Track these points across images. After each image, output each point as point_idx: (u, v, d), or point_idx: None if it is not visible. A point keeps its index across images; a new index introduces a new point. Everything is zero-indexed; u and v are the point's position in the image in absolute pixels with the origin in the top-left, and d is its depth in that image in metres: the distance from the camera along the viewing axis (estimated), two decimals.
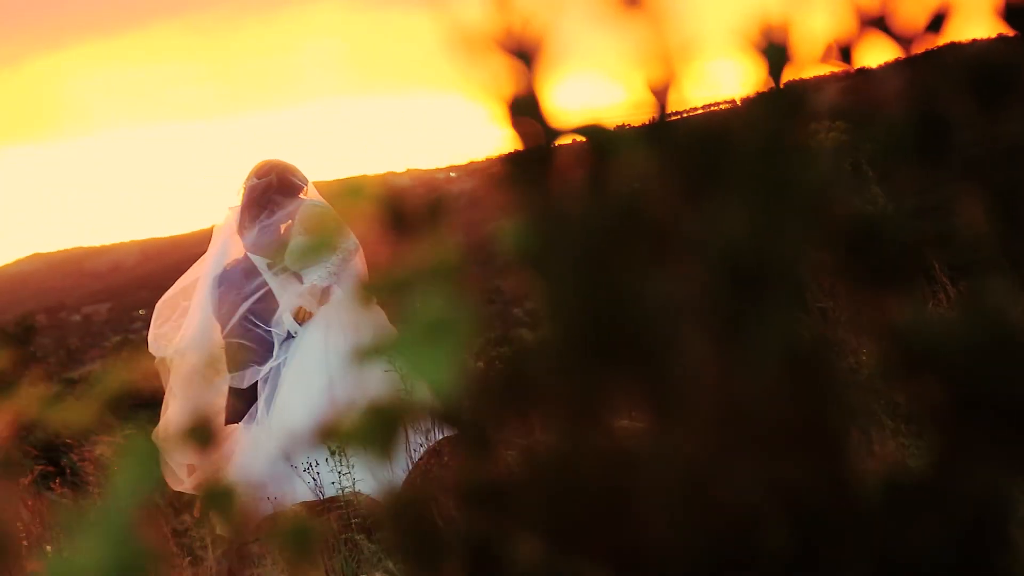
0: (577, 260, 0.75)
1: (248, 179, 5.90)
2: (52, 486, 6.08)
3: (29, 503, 5.76)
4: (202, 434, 0.96)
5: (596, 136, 0.79)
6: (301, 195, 5.92)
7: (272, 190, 5.82)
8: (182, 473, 5.61)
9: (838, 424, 0.71)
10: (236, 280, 5.73)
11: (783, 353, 0.71)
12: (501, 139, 0.81)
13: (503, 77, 0.80)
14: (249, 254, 5.84)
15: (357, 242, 5.70)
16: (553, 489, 0.74)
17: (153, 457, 0.77)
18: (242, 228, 5.86)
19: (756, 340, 0.72)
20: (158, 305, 6.02)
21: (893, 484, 0.74)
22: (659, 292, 0.73)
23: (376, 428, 0.79)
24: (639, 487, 0.72)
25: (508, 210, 0.82)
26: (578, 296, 0.75)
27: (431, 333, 0.75)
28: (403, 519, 0.79)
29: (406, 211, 0.85)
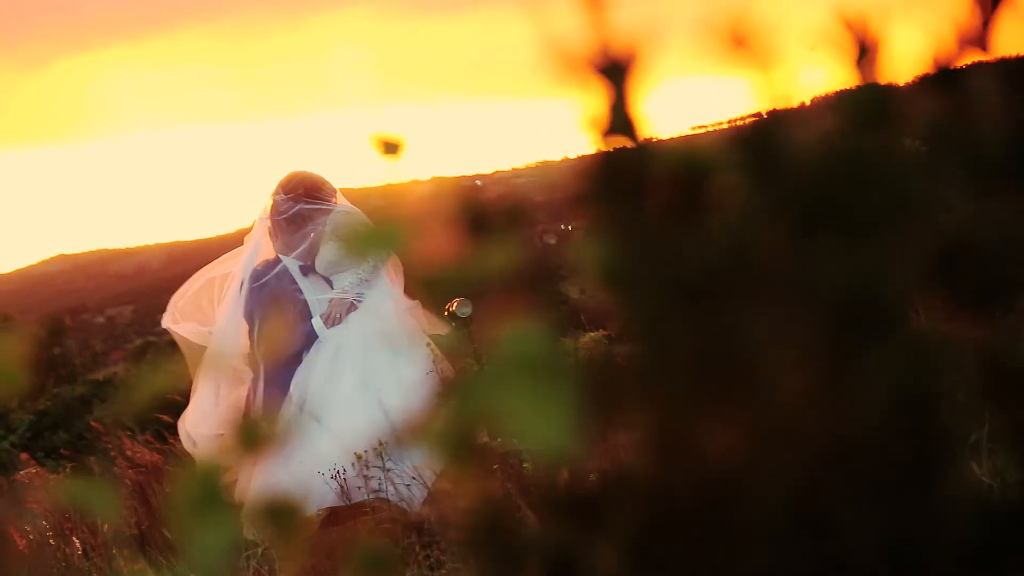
0: (676, 286, 0.74)
1: (276, 192, 5.93)
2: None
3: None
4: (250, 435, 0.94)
5: (691, 159, 0.78)
6: (332, 205, 5.89)
7: (300, 203, 5.82)
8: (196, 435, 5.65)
9: (946, 461, 0.69)
10: (267, 280, 5.72)
11: (891, 389, 0.70)
12: (586, 154, 0.80)
13: (595, 93, 0.79)
14: (280, 256, 5.83)
15: (375, 263, 5.67)
16: (646, 507, 0.74)
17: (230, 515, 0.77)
18: (273, 237, 5.86)
19: (864, 375, 0.71)
20: (179, 291, 6.04)
21: (988, 516, 0.73)
22: (764, 324, 0.72)
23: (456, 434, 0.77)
24: (737, 514, 0.71)
25: (590, 224, 0.81)
26: (677, 322, 0.73)
27: (528, 368, 0.71)
28: (484, 525, 0.78)
29: (484, 214, 0.84)
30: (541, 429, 0.70)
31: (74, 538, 5.23)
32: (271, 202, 5.93)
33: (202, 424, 5.67)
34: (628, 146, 0.80)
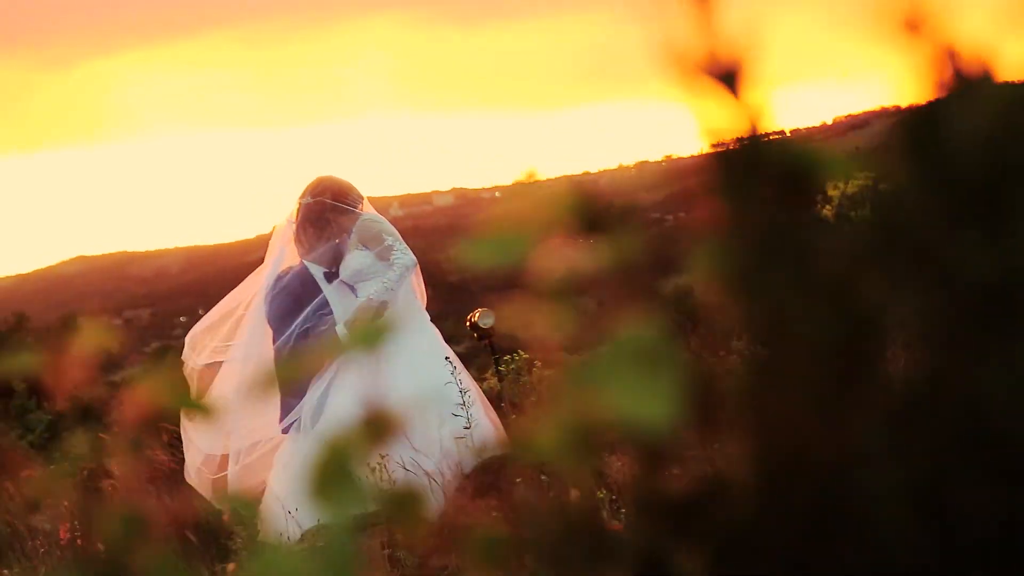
0: (807, 281, 0.75)
1: (303, 196, 5.92)
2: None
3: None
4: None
5: (807, 156, 0.79)
6: (358, 211, 5.88)
7: (327, 208, 5.82)
8: (194, 470, 5.67)
9: None
10: (291, 286, 5.79)
11: None
12: (699, 154, 0.82)
13: (710, 95, 0.81)
14: (306, 262, 5.85)
15: (415, 259, 5.72)
16: (754, 509, 0.76)
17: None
18: (298, 242, 5.89)
19: (1009, 365, 0.72)
20: (207, 315, 6.04)
21: None
22: (906, 313, 0.74)
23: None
24: (870, 516, 0.72)
25: (705, 226, 0.81)
26: (812, 316, 0.75)
27: (640, 357, 0.74)
28: (572, 526, 0.80)
29: (596, 214, 0.84)
30: (649, 412, 0.72)
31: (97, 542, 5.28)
32: (297, 206, 5.93)
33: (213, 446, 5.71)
34: (748, 146, 0.80)
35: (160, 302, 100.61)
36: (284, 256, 5.94)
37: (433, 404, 5.24)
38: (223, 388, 5.71)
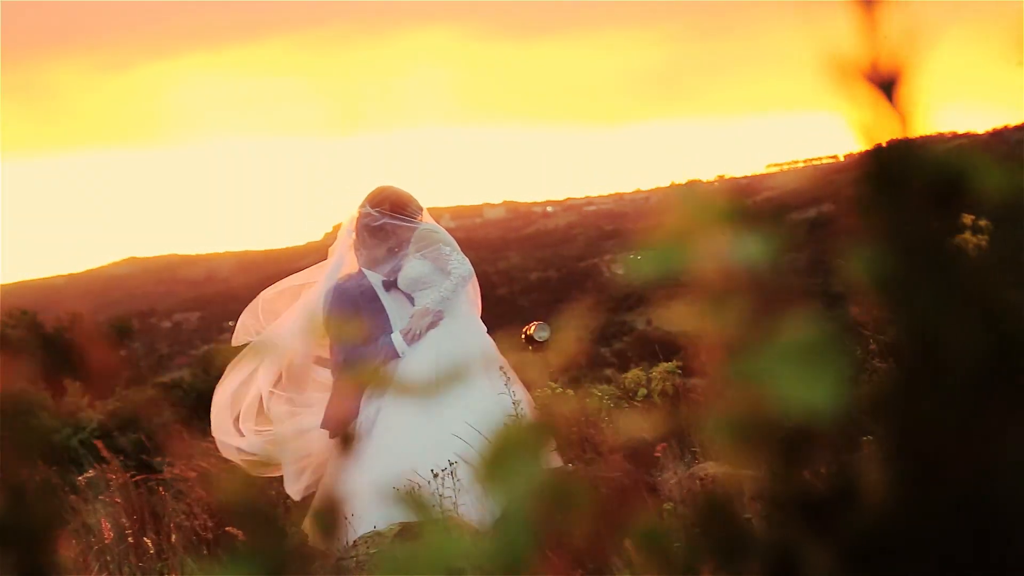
0: (957, 289, 0.80)
1: (362, 206, 6.26)
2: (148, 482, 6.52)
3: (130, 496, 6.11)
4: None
5: (963, 163, 0.83)
6: (417, 222, 6.27)
7: (385, 219, 6.20)
8: (293, 477, 6.04)
9: None
10: (349, 293, 6.14)
11: None
12: (859, 159, 0.84)
13: (869, 105, 0.85)
14: (364, 270, 6.23)
15: (472, 269, 6.13)
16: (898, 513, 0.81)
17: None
18: (357, 250, 6.29)
19: None
20: (257, 298, 6.40)
21: None
22: None
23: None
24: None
25: (857, 235, 0.84)
26: (963, 324, 0.80)
27: (807, 351, 0.79)
28: (711, 520, 0.86)
29: (750, 219, 0.87)
30: (817, 404, 0.77)
31: (145, 539, 5.56)
32: (357, 214, 6.32)
33: (216, 415, 6.15)
34: (903, 152, 0.85)
35: (209, 306, 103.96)
36: (344, 262, 6.34)
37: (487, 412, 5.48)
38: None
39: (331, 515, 1.13)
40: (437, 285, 6.10)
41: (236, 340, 6.38)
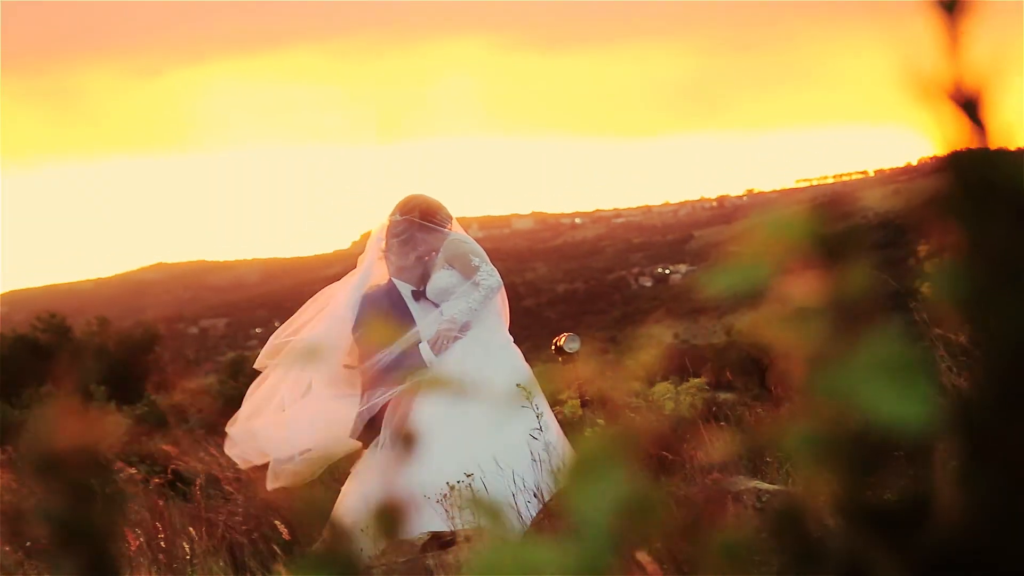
0: None
1: (392, 214, 6.24)
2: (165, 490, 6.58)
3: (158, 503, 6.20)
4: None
5: None
6: (446, 231, 6.23)
7: (415, 227, 6.17)
8: (282, 472, 6.00)
9: None
10: (378, 303, 6.12)
11: None
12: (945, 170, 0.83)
13: (950, 122, 0.85)
14: (393, 279, 6.20)
15: (500, 281, 6.08)
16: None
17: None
18: (386, 259, 6.26)
19: None
20: (289, 321, 6.35)
21: None
22: None
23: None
24: None
25: (940, 249, 0.84)
26: None
27: (892, 365, 0.79)
28: (784, 529, 0.86)
29: (828, 239, 0.86)
30: (905, 417, 0.77)
31: (179, 544, 5.60)
32: (387, 222, 6.28)
33: (254, 417, 6.08)
34: (987, 166, 0.84)
35: (236, 312, 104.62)
36: (373, 271, 6.31)
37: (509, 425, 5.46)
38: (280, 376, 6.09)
39: (396, 515, 1.11)
40: (465, 296, 6.05)
41: (261, 362, 6.37)
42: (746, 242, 0.92)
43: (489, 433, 5.53)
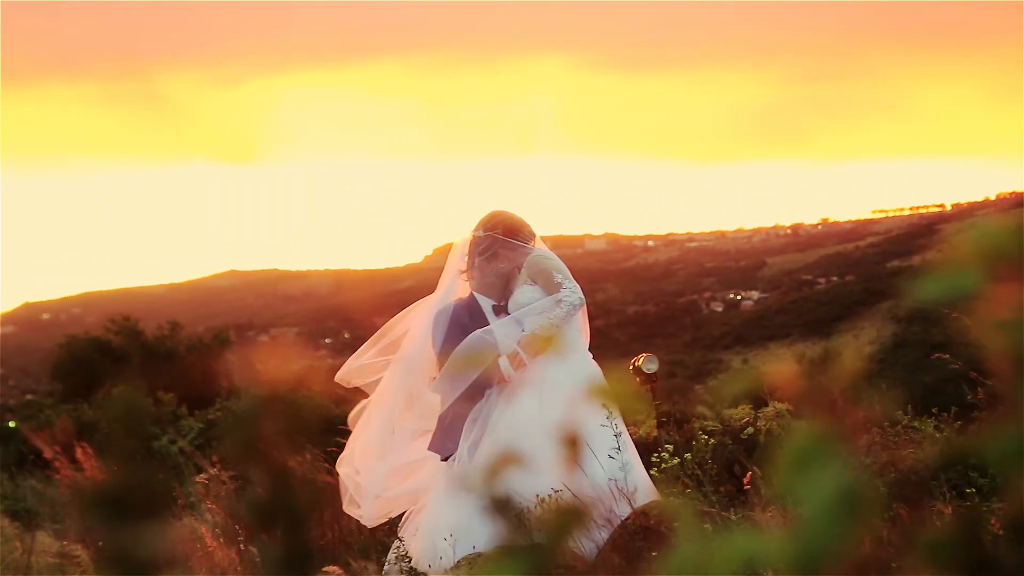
0: None
1: (476, 229, 6.25)
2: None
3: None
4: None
5: None
6: (530, 247, 6.20)
7: (498, 243, 6.16)
8: (368, 503, 6.07)
9: None
10: (460, 318, 6.11)
11: None
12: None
13: None
14: (475, 293, 6.20)
15: (583, 297, 6.02)
16: None
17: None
18: (468, 274, 6.26)
19: None
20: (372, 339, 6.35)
21: None
22: None
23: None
24: None
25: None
26: None
27: None
28: (958, 538, 0.87)
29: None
30: None
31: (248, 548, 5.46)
32: (471, 237, 6.29)
33: (372, 456, 6.14)
34: None
35: (307, 322, 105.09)
36: (455, 287, 6.31)
37: (587, 444, 5.40)
38: (380, 400, 6.15)
39: (577, 515, 1.09)
40: (548, 311, 5.98)
41: (350, 379, 6.38)
42: (956, 251, 0.91)
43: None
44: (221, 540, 5.72)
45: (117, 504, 0.96)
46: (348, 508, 6.16)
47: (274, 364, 1.10)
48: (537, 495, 5.09)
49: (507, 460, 1.10)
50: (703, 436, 6.38)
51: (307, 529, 1.02)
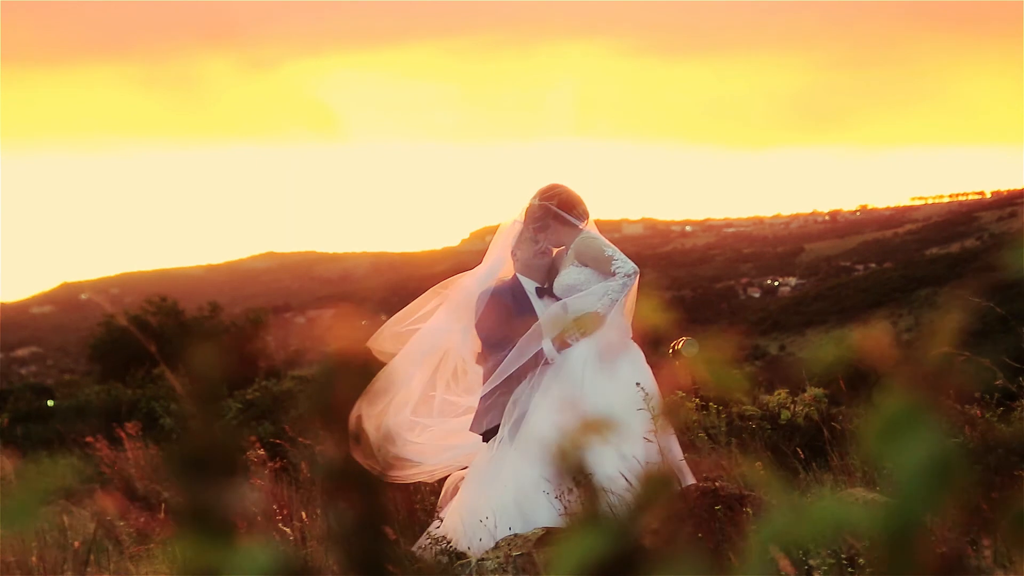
0: None
1: (533, 198, 6.20)
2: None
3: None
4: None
5: None
6: (581, 227, 6.14)
7: (550, 215, 6.11)
8: (401, 461, 6.04)
9: None
10: (502, 299, 6.09)
11: None
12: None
13: None
14: (518, 275, 6.16)
15: (636, 268, 5.95)
16: None
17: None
18: (513, 255, 6.21)
19: None
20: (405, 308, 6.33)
21: None
22: None
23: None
24: None
25: None
26: None
27: None
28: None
29: None
30: None
31: (286, 527, 5.59)
32: (528, 206, 6.23)
33: (403, 413, 6.10)
34: None
35: (343, 304, 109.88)
36: (501, 266, 6.28)
37: (623, 427, 5.31)
38: (403, 363, 6.07)
39: (667, 483, 1.08)
40: (603, 286, 5.94)
41: (383, 345, 6.31)
42: None
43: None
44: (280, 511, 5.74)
45: (203, 464, 0.99)
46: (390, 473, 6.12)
47: (344, 333, 1.12)
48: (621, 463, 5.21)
49: (593, 427, 1.09)
50: (786, 411, 6.43)
51: (382, 492, 1.05)
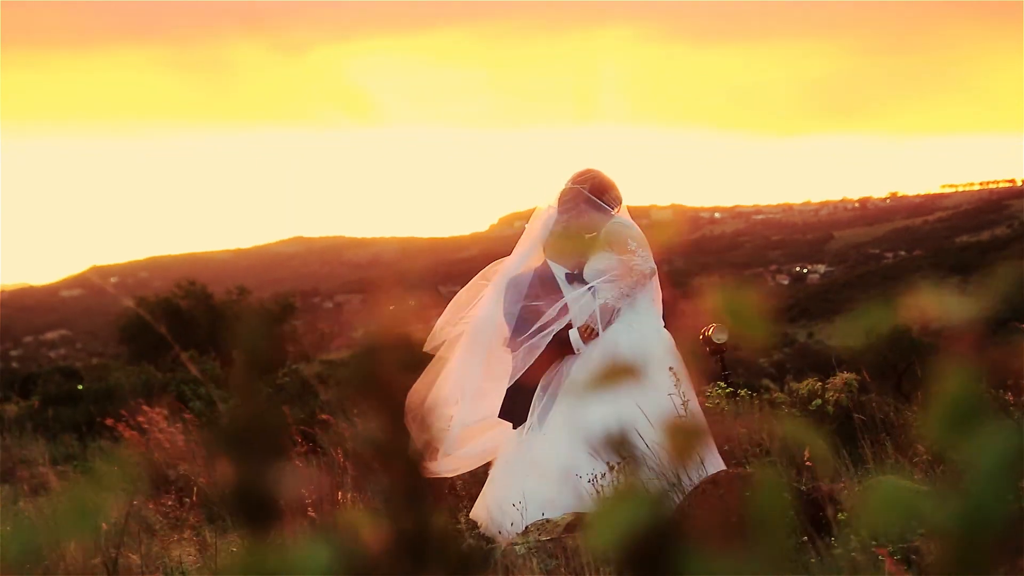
0: None
1: (568, 181, 6.29)
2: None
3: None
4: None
5: None
6: (613, 212, 6.23)
7: (582, 199, 6.20)
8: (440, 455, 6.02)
9: None
10: (531, 286, 6.14)
11: None
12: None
13: None
14: (548, 261, 6.24)
15: (654, 267, 6.06)
16: None
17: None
18: (546, 242, 6.29)
19: None
20: (450, 304, 6.41)
21: None
22: None
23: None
24: None
25: None
26: None
27: None
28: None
29: None
30: None
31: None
32: (563, 188, 6.33)
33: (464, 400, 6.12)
34: None
35: (372, 289, 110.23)
36: (533, 254, 6.34)
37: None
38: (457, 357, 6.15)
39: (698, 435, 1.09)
40: (619, 281, 6.05)
41: (432, 342, 6.35)
42: None
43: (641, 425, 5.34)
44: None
45: (250, 442, 1.01)
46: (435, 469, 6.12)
47: (389, 310, 1.14)
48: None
49: (620, 372, 1.05)
50: (817, 400, 6.44)
51: (422, 466, 1.04)
